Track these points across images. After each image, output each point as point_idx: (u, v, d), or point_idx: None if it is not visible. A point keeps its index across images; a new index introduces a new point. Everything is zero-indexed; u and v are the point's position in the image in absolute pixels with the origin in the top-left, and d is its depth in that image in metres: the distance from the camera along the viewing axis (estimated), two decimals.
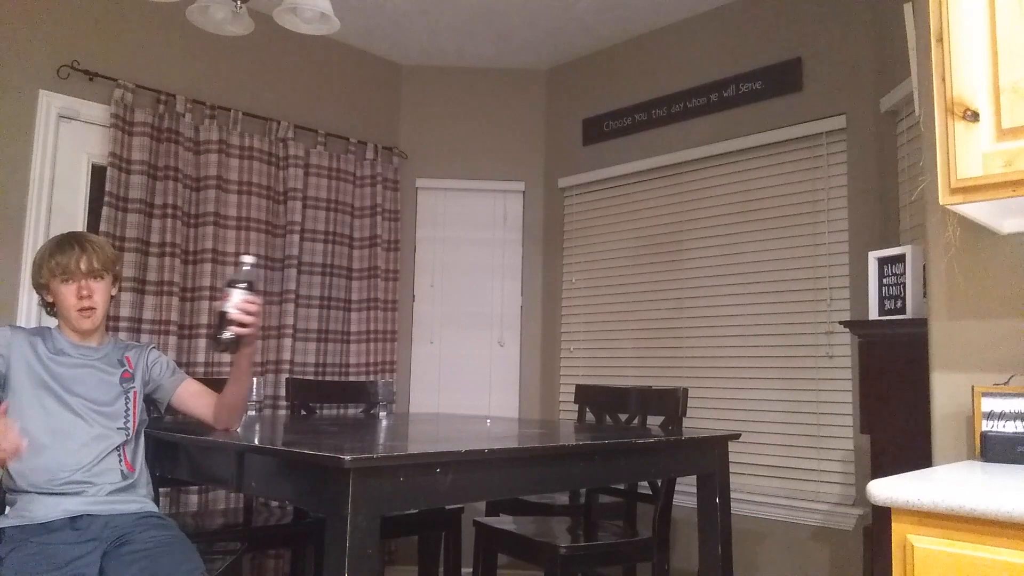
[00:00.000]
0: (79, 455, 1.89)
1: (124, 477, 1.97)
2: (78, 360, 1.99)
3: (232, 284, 1.80)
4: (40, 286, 2.01)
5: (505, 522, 2.84)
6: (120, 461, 1.98)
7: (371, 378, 4.04)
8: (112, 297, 2.06)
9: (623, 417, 2.89)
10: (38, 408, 1.89)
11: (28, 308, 2.99)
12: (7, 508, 1.87)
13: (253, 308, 1.83)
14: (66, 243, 1.99)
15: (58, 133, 3.16)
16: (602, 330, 4.10)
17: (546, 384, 4.32)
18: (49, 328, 2.05)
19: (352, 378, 4.02)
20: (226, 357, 3.50)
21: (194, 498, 3.29)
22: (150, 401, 2.16)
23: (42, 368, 1.93)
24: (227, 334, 1.77)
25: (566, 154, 4.37)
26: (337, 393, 3.42)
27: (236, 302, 1.78)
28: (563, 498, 3.24)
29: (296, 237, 3.81)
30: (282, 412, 3.61)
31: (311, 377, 3.86)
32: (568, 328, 4.29)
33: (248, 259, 1.87)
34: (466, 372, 4.34)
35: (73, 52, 3.19)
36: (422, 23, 3.98)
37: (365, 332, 4.09)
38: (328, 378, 3.95)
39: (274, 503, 3.16)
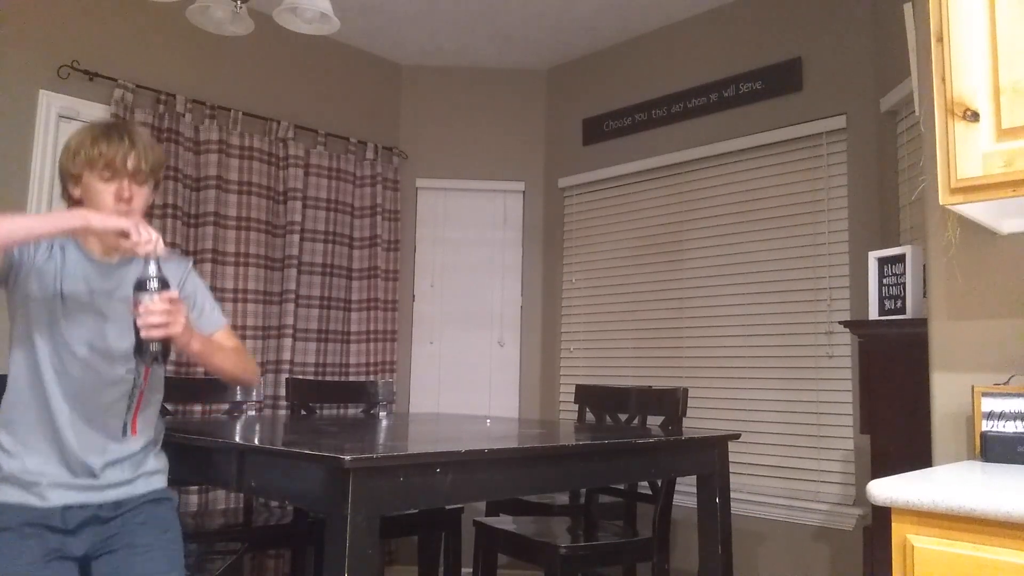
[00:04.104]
0: (75, 400, 1.67)
1: (124, 434, 1.73)
2: (95, 280, 1.71)
3: (138, 289, 1.57)
4: (70, 176, 1.69)
5: (505, 522, 2.84)
6: (128, 412, 1.74)
7: (371, 378, 4.04)
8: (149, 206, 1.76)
9: (623, 417, 2.89)
10: (38, 348, 1.66)
11: None
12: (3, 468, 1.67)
13: (160, 308, 1.56)
14: (115, 132, 1.68)
15: (58, 133, 3.15)
16: (602, 330, 4.10)
17: (546, 384, 4.31)
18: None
19: (352, 378, 4.02)
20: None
21: (194, 498, 3.29)
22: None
23: (52, 290, 1.67)
24: (153, 347, 1.59)
25: (566, 154, 4.37)
26: (337, 393, 3.42)
27: (142, 310, 1.57)
28: (563, 498, 3.24)
29: (296, 237, 3.81)
30: (282, 412, 3.61)
31: (311, 377, 3.86)
32: (568, 328, 4.29)
33: (151, 258, 1.59)
34: (466, 372, 4.33)
35: (73, 52, 3.19)
36: (422, 23, 3.98)
37: (365, 332, 4.09)
38: (328, 378, 3.95)
39: (274, 503, 3.16)
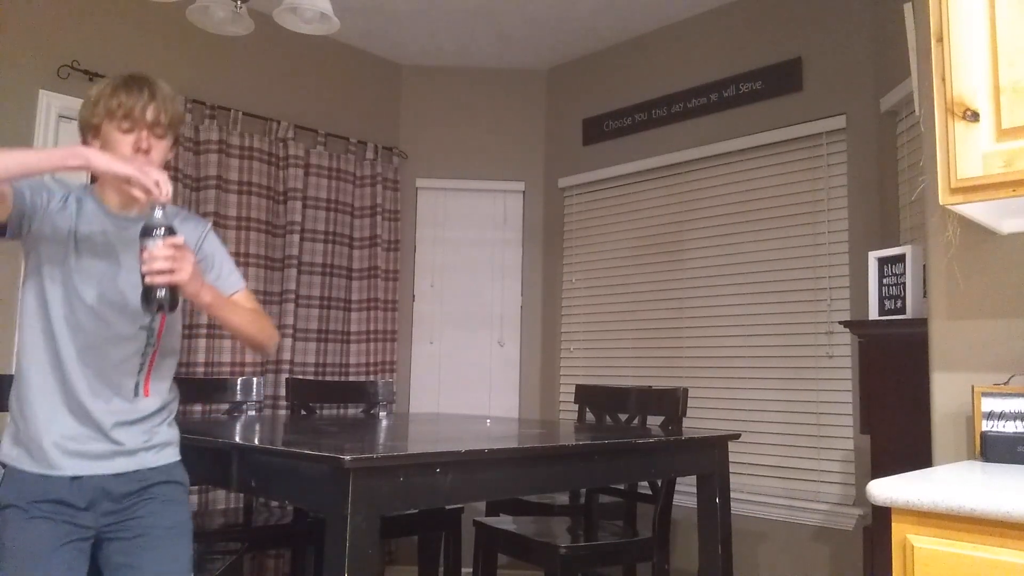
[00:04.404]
0: (85, 352, 1.64)
1: (136, 394, 1.70)
2: (111, 232, 1.68)
3: (144, 235, 1.53)
4: (90, 126, 1.68)
5: (505, 522, 2.84)
6: (141, 372, 1.71)
7: (371, 378, 4.04)
8: (168, 162, 1.76)
9: (623, 417, 2.89)
10: (48, 291, 1.64)
11: None
12: (11, 427, 1.64)
13: (164, 253, 1.52)
14: (134, 83, 1.66)
15: (58, 133, 3.15)
16: (602, 330, 4.10)
17: (546, 384, 4.31)
18: (85, 186, 1.73)
19: (352, 378, 4.02)
20: (225, 356, 3.51)
21: (194, 498, 3.29)
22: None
23: (66, 231, 1.64)
24: (159, 293, 1.54)
25: (566, 154, 4.37)
26: (337, 393, 3.43)
27: (146, 256, 1.53)
28: (563, 498, 3.24)
29: (296, 237, 3.81)
30: (282, 412, 3.61)
31: (311, 377, 3.86)
32: (568, 328, 4.29)
33: (158, 204, 1.55)
34: (466, 372, 4.33)
35: (73, 52, 3.19)
36: (422, 23, 3.98)
37: (365, 332, 4.09)
38: (328, 378, 3.95)
39: (274, 503, 3.16)
